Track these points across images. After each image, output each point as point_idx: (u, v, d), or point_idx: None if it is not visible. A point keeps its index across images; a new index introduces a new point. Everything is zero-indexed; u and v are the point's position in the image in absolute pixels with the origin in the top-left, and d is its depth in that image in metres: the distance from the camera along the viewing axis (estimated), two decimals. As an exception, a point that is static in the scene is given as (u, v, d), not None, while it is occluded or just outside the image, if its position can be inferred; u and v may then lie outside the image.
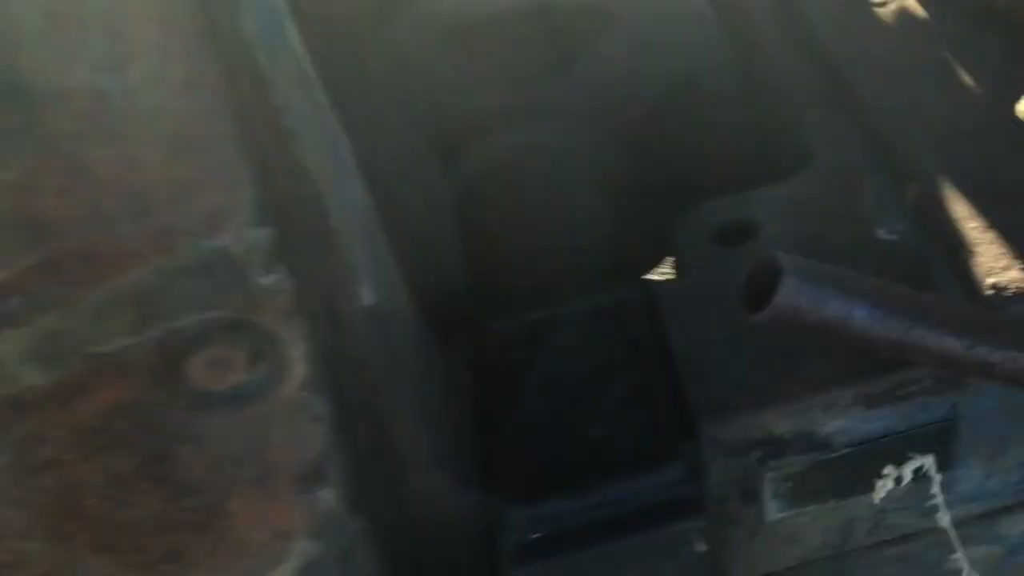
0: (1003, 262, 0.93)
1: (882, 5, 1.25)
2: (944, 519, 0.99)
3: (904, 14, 1.24)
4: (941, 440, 0.94)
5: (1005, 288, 0.91)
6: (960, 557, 1.03)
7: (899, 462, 0.95)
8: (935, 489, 0.97)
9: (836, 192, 1.07)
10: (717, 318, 0.98)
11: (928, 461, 0.96)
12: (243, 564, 0.75)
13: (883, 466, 0.95)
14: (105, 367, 0.63)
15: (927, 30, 1.21)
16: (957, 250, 0.95)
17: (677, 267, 1.11)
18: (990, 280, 0.92)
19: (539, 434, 0.93)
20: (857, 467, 0.94)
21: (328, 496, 0.76)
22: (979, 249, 0.94)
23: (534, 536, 0.88)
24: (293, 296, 0.67)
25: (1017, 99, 1.07)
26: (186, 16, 0.59)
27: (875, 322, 0.72)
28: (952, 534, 1.01)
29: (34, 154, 0.57)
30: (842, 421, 0.91)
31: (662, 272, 1.25)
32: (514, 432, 0.94)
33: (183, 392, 0.65)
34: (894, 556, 1.05)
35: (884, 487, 0.95)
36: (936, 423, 0.93)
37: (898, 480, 0.96)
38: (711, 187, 1.15)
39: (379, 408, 0.81)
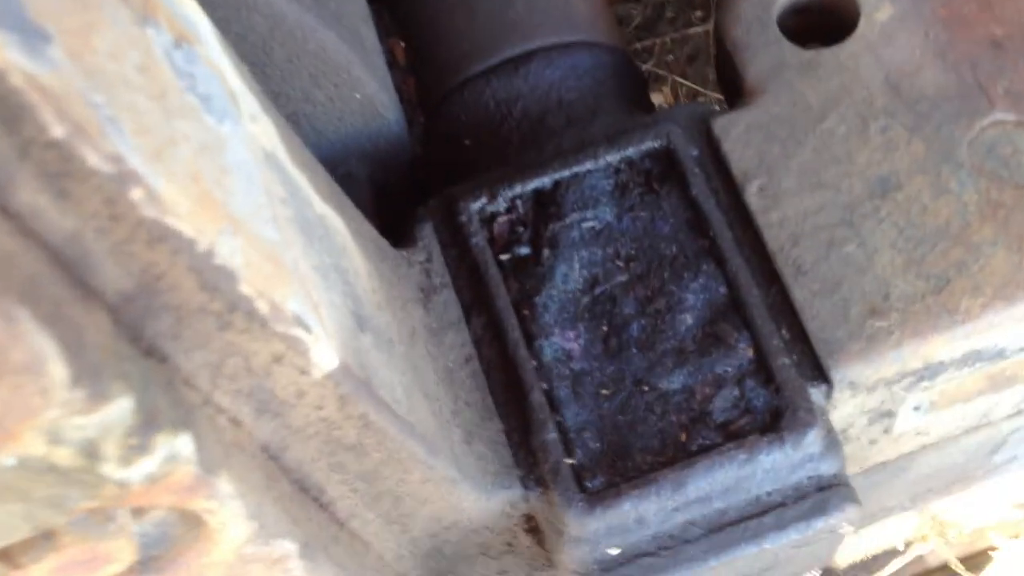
0: None
1: None
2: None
3: None
4: None
5: None
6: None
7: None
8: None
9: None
10: (820, 177, 0.66)
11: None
12: None
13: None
14: None
15: None
16: None
17: (730, 73, 0.75)
18: None
19: (591, 389, 0.64)
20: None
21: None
22: None
23: (613, 553, 0.61)
24: (197, 460, 0.34)
25: None
26: None
27: None
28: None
29: None
30: (1033, 329, 0.63)
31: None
32: (553, 386, 0.64)
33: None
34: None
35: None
36: None
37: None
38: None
39: (366, 465, 0.51)
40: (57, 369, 0.27)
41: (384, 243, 0.65)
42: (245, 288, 0.36)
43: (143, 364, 0.33)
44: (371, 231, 0.62)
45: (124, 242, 0.31)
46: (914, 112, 0.66)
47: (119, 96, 0.32)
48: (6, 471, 0.29)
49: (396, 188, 0.76)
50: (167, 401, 0.34)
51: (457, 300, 0.67)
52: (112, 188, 0.30)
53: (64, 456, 0.30)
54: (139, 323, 0.33)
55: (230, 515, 0.38)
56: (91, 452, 0.30)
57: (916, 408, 0.69)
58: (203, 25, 0.44)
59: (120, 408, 0.30)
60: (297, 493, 0.47)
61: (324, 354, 0.42)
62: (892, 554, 1.17)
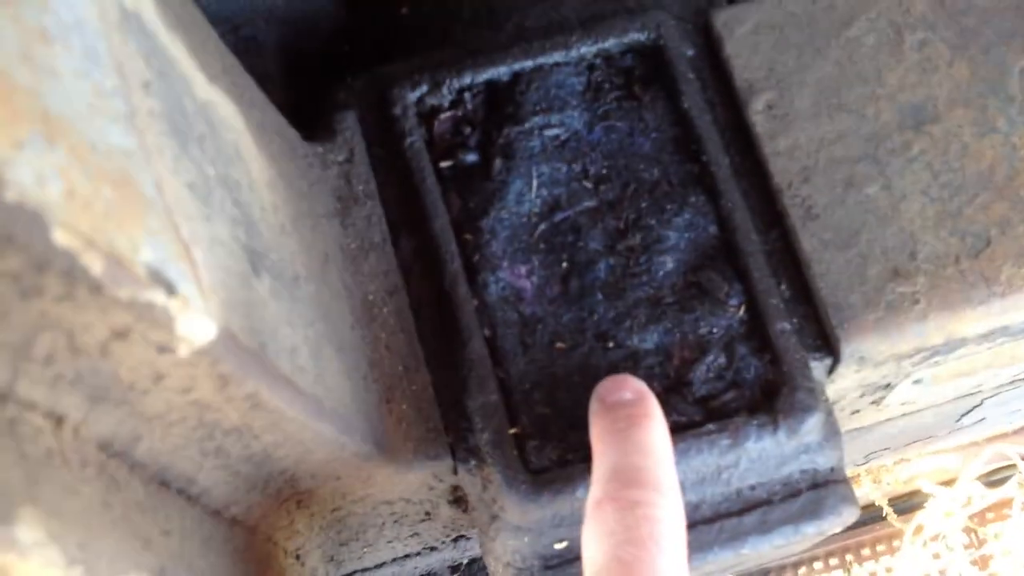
0: None
1: None
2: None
3: None
4: None
5: None
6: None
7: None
8: None
9: None
10: (841, 98, 0.53)
11: None
12: None
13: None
14: None
15: None
16: None
17: None
18: None
19: (544, 340, 0.51)
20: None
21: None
22: None
23: (559, 547, 0.50)
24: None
25: None
26: None
27: None
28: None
29: None
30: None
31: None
32: (498, 333, 0.51)
33: None
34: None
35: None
36: None
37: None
38: None
39: (253, 448, 0.38)
40: None
41: (293, 135, 0.50)
42: (61, 236, 0.22)
43: None
44: (276, 119, 0.48)
45: None
46: (959, 26, 0.54)
47: None
48: None
49: (312, 61, 0.61)
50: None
51: (383, 215, 0.53)
52: None
53: None
54: None
55: (38, 568, 0.25)
56: None
57: (917, 382, 0.59)
58: None
59: None
60: (154, 492, 0.34)
61: (196, 322, 0.28)
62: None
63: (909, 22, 0.54)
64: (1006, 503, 1.17)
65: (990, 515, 1.26)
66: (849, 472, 1.16)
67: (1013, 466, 1.18)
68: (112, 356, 0.26)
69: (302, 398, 0.36)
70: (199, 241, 0.30)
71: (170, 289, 0.27)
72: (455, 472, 0.51)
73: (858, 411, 0.64)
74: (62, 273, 0.23)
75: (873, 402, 0.62)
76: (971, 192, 0.51)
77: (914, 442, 0.90)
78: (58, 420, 0.27)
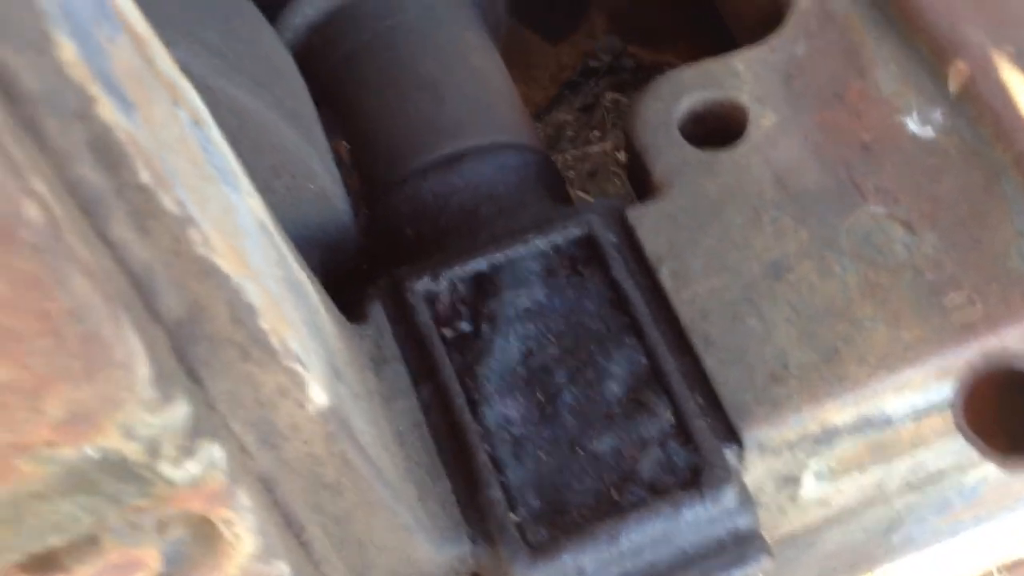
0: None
1: None
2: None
3: None
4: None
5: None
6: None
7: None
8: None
9: (839, 58, 0.83)
10: (723, 260, 0.75)
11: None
12: None
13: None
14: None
15: None
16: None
17: (639, 171, 0.84)
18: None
19: (531, 452, 0.70)
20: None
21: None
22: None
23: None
24: (227, 470, 0.40)
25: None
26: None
27: None
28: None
29: None
30: (914, 396, 0.72)
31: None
32: (496, 449, 0.70)
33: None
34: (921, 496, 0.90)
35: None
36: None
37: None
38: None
39: (340, 506, 0.56)
40: (143, 369, 0.33)
41: (340, 315, 0.71)
42: (263, 323, 0.42)
43: (187, 381, 0.39)
44: (331, 302, 0.68)
45: (182, 275, 0.37)
46: (799, 204, 0.77)
47: (173, 157, 0.39)
48: (86, 462, 0.34)
49: (342, 276, 0.83)
50: (204, 416, 0.39)
51: (406, 370, 0.73)
52: (178, 228, 0.36)
53: (133, 451, 0.35)
54: (184, 347, 0.39)
55: (244, 527, 0.43)
56: (153, 449, 0.35)
57: (817, 474, 0.77)
58: (206, 112, 0.51)
59: (180, 411, 0.36)
60: (284, 527, 0.52)
61: (317, 391, 0.47)
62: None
63: (764, 205, 0.77)
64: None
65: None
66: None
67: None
68: (275, 408, 0.45)
69: (371, 464, 0.55)
70: (310, 348, 0.50)
71: (305, 366, 0.46)
72: (474, 556, 0.68)
73: (783, 509, 0.81)
74: (261, 345, 0.42)
75: (791, 497, 0.80)
76: (821, 318, 0.72)
77: (858, 562, 1.05)
78: (244, 451, 0.45)
